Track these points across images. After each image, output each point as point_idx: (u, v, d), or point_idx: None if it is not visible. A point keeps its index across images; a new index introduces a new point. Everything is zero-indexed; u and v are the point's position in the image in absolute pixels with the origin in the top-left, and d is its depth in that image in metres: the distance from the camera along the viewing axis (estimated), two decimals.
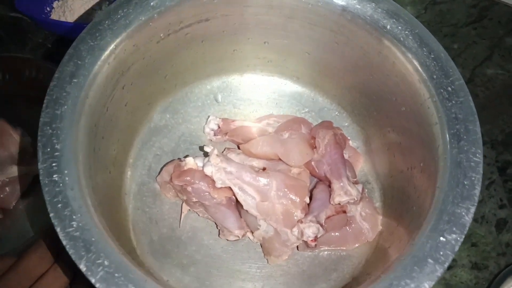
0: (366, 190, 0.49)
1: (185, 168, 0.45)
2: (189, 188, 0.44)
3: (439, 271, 0.32)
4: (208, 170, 0.44)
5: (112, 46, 0.39)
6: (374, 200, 0.49)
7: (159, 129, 0.51)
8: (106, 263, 0.30)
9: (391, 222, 0.46)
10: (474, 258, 0.51)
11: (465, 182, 0.36)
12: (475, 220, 0.53)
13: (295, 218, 0.43)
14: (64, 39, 0.60)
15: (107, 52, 0.39)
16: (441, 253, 0.33)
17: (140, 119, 0.50)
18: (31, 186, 0.49)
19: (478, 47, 0.63)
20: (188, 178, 0.44)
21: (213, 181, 0.44)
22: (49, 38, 0.60)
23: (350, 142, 0.52)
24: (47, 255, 0.39)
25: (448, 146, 0.37)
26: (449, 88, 0.39)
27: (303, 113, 0.54)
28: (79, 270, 0.33)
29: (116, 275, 0.30)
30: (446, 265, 0.33)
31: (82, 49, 0.38)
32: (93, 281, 0.29)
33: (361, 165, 0.51)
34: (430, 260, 0.33)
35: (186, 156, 0.47)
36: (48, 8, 0.60)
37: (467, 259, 0.51)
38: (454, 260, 0.51)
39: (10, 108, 0.55)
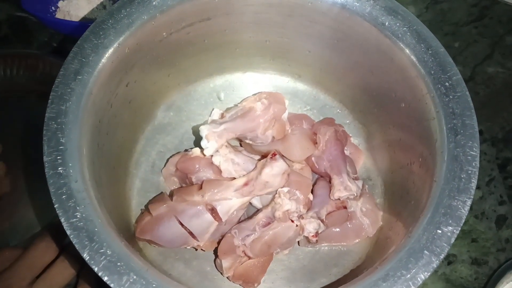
0: (367, 186, 0.49)
1: (192, 156, 0.45)
2: (194, 179, 0.45)
3: (435, 262, 0.33)
4: (216, 160, 0.45)
5: (116, 44, 0.40)
6: (375, 196, 0.49)
7: (163, 127, 0.52)
8: (108, 252, 0.31)
9: (391, 217, 0.46)
10: (474, 254, 0.51)
11: (462, 176, 0.36)
12: (475, 216, 0.53)
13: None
14: (70, 38, 0.61)
15: (111, 50, 0.40)
16: (437, 245, 0.33)
17: (144, 116, 0.51)
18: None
19: (479, 45, 0.63)
20: (193, 164, 0.45)
21: (219, 171, 0.45)
22: (54, 37, 0.61)
23: (352, 139, 0.53)
24: (53, 244, 0.41)
25: (445, 141, 0.38)
26: (447, 83, 0.40)
27: (305, 111, 0.54)
28: (85, 262, 0.34)
29: (119, 264, 0.31)
30: (442, 256, 0.33)
31: (86, 47, 0.39)
32: (96, 269, 0.30)
33: (363, 162, 0.52)
34: (426, 252, 0.33)
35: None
36: (53, 8, 0.61)
37: (467, 255, 0.51)
38: (454, 255, 0.51)
39: (22, 103, 0.56)
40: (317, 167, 0.48)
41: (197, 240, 0.43)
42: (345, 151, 0.50)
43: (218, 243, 0.44)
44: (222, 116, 0.46)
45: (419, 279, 0.32)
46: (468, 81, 0.61)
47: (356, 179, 0.48)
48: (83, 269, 0.42)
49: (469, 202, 0.35)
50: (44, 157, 0.34)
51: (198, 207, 0.42)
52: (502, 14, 0.65)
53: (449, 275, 0.51)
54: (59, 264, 0.40)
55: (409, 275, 0.32)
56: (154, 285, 0.31)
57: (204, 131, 0.44)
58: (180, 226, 0.42)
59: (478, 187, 0.54)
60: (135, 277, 0.31)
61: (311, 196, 0.46)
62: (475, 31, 0.64)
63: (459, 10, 0.65)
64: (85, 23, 0.54)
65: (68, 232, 0.31)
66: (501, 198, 0.54)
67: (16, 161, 0.52)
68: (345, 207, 0.46)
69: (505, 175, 0.56)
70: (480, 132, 0.58)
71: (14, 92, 0.56)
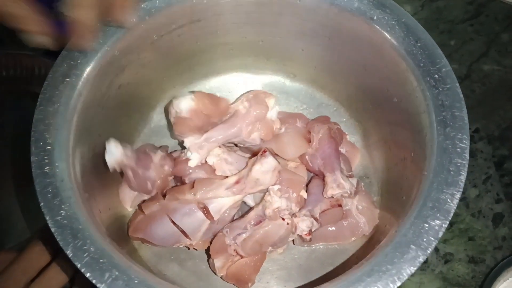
0: (363, 184, 0.49)
1: (183, 159, 0.46)
2: (187, 180, 0.45)
3: (421, 257, 0.32)
4: (210, 160, 0.45)
5: (105, 47, 0.41)
6: (372, 194, 0.49)
7: (159, 129, 0.53)
8: (92, 249, 0.32)
9: (387, 215, 0.45)
10: (471, 252, 0.51)
11: (451, 168, 0.35)
12: (472, 214, 0.53)
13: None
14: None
15: (99, 54, 0.40)
16: (424, 239, 0.33)
17: (139, 119, 0.52)
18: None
19: (474, 43, 0.63)
20: (185, 167, 0.45)
21: (211, 170, 0.45)
22: None
23: (348, 137, 0.52)
24: (48, 248, 0.41)
25: (435, 133, 0.37)
26: (436, 76, 0.39)
27: (301, 110, 0.54)
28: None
29: (101, 260, 0.31)
30: (429, 251, 0.32)
31: (74, 49, 0.39)
32: (78, 266, 0.31)
33: (359, 160, 0.51)
34: (412, 246, 0.33)
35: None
36: None
37: (464, 253, 0.51)
38: (451, 254, 0.51)
39: (17, 104, 0.57)
40: (311, 165, 0.48)
41: (190, 239, 0.43)
42: (341, 149, 0.49)
43: (211, 242, 0.44)
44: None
45: (404, 274, 0.32)
46: (464, 79, 0.60)
47: (350, 176, 0.48)
48: (77, 274, 0.42)
49: (458, 195, 0.34)
50: (31, 157, 0.34)
51: (190, 205, 0.42)
52: (498, 12, 0.64)
53: (446, 274, 0.50)
54: (53, 268, 0.40)
55: (394, 270, 0.32)
56: (136, 281, 0.31)
57: (187, 143, 0.45)
58: (172, 224, 0.42)
59: (474, 185, 0.53)
60: (117, 273, 0.31)
61: (304, 194, 0.46)
62: (471, 28, 0.63)
63: (455, 7, 0.64)
64: None
65: (52, 230, 0.32)
66: (497, 196, 0.53)
67: (9, 162, 0.53)
68: (340, 205, 0.46)
69: (502, 173, 0.55)
70: (477, 130, 0.57)
71: (9, 93, 0.57)
